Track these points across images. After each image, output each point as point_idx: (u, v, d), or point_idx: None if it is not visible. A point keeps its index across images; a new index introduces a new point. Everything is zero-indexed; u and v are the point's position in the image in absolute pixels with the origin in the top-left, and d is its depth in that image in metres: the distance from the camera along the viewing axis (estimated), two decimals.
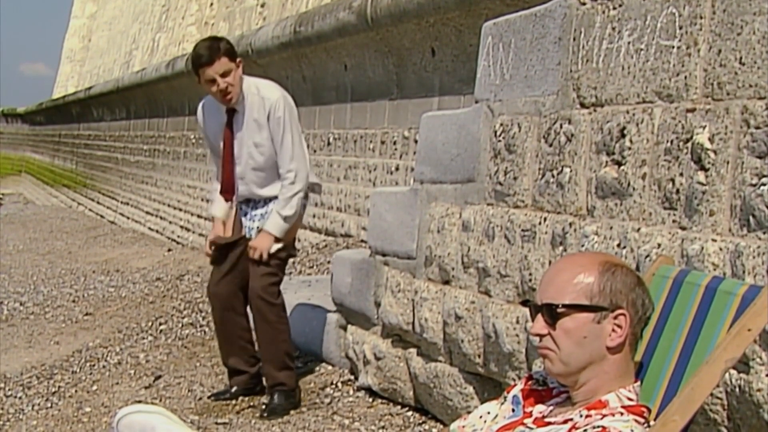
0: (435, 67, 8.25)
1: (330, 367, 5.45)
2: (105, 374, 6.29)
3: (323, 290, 5.95)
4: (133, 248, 14.72)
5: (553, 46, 3.55)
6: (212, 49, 4.83)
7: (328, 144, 10.52)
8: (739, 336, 2.08)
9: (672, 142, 2.86)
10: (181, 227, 17.10)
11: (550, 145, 3.50)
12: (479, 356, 3.90)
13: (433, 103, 8.17)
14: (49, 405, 5.91)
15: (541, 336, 2.23)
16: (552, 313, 2.21)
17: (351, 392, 5.05)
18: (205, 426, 4.69)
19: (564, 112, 3.44)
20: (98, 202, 25.69)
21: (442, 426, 4.33)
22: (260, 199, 4.98)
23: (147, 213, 20.15)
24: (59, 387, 6.27)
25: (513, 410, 2.35)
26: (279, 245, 4.90)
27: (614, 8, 3.19)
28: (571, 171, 3.37)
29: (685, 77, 2.84)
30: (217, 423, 4.73)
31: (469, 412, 2.60)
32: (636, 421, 2.12)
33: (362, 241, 8.61)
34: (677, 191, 2.83)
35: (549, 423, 2.21)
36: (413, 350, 4.50)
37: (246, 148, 4.91)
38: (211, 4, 20.19)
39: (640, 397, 2.22)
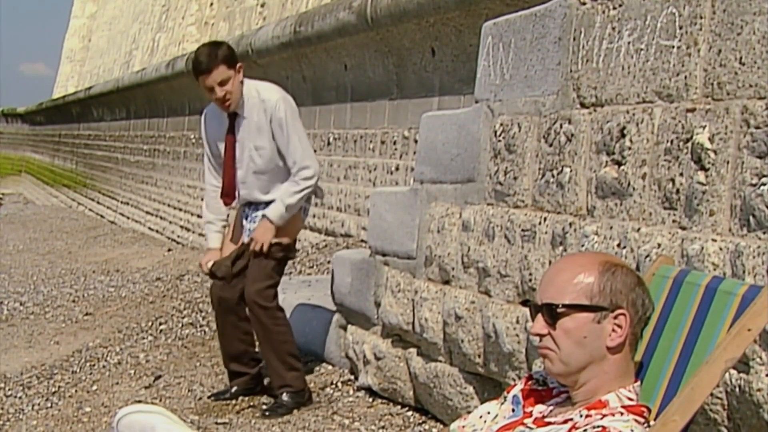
0: (435, 67, 8.25)
1: (330, 367, 5.45)
2: (105, 374, 6.29)
3: (323, 290, 5.95)
4: (133, 248, 14.72)
5: (553, 46, 3.55)
6: (210, 57, 4.81)
7: (328, 144, 10.52)
8: (739, 336, 2.09)
9: (672, 142, 2.86)
10: (181, 227, 17.10)
11: (550, 145, 3.50)
12: (479, 356, 3.90)
13: (433, 103, 8.17)
14: (49, 405, 5.91)
15: (541, 336, 2.23)
16: (552, 313, 2.21)
17: (351, 392, 5.05)
18: (205, 426, 4.69)
19: (564, 112, 3.44)
20: (98, 202, 25.70)
21: (442, 426, 4.33)
22: (261, 202, 4.98)
23: (147, 213, 20.15)
24: (59, 387, 6.27)
25: (513, 410, 2.35)
26: (282, 240, 4.89)
27: (614, 8, 3.19)
28: (571, 171, 3.37)
29: (685, 77, 2.84)
30: (217, 423, 4.73)
31: (469, 412, 2.60)
32: (636, 421, 2.12)
33: (362, 241, 8.61)
34: (677, 191, 2.83)
35: (549, 423, 2.21)
36: (413, 350, 4.50)
37: (247, 152, 4.90)
38: (211, 4, 20.19)
39: (640, 397, 2.22)
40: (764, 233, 2.51)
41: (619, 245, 3.04)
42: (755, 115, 2.56)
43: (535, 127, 3.63)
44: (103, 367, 6.50)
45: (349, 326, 5.20)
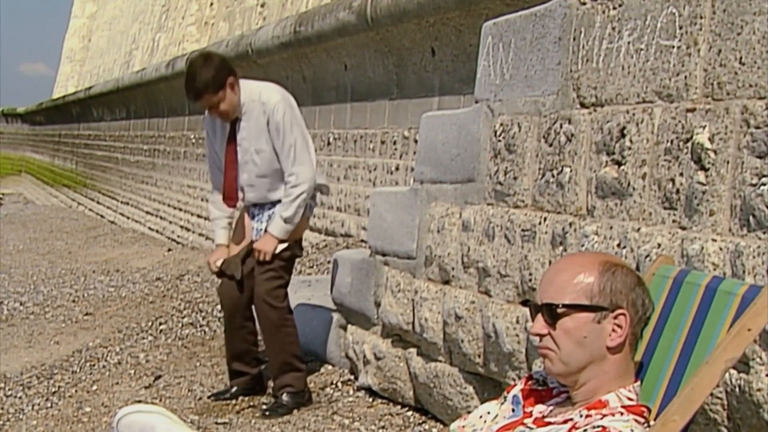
0: (435, 67, 8.25)
1: (330, 367, 5.45)
2: (105, 374, 6.29)
3: (323, 290, 5.95)
4: (133, 248, 14.72)
5: (553, 46, 3.55)
6: (195, 91, 4.77)
7: (328, 144, 10.52)
8: (739, 336, 2.09)
9: (672, 142, 2.86)
10: (181, 227, 17.10)
11: (550, 145, 3.50)
12: (479, 356, 3.90)
13: (433, 103, 8.17)
14: (49, 405, 5.91)
15: (541, 336, 2.23)
16: (552, 313, 2.21)
17: (351, 392, 5.05)
18: (205, 426, 4.69)
19: (564, 112, 3.44)
20: (98, 202, 25.70)
21: (442, 426, 4.33)
22: (268, 202, 4.98)
23: (147, 213, 20.15)
24: (59, 387, 6.27)
25: (513, 410, 2.35)
26: (283, 245, 4.90)
27: (614, 8, 3.19)
28: (571, 171, 3.37)
29: (685, 77, 2.84)
30: (217, 423, 4.73)
31: (469, 412, 2.60)
32: (636, 421, 2.12)
33: (362, 241, 8.61)
34: (677, 191, 2.83)
35: (549, 423, 2.21)
36: (413, 350, 4.50)
37: (249, 155, 4.90)
38: (211, 4, 20.19)
39: (640, 396, 2.22)
40: (764, 233, 2.51)
41: (619, 245, 3.04)
42: (755, 115, 2.56)
43: (535, 127, 3.63)
44: (103, 367, 6.50)
45: (349, 326, 5.20)
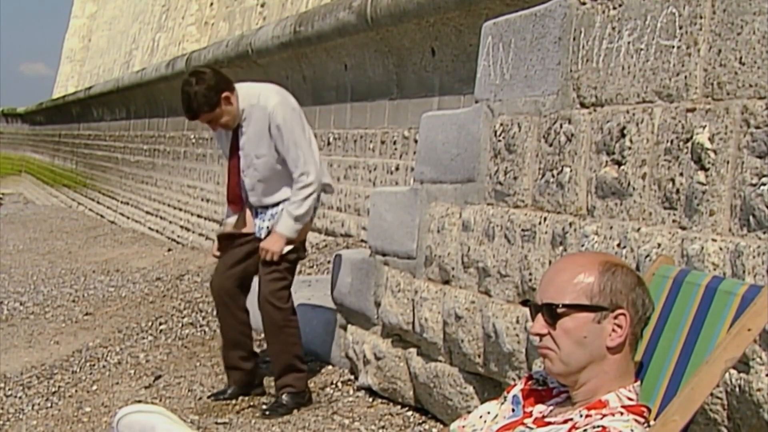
0: (435, 67, 8.25)
1: (330, 367, 5.45)
2: (105, 374, 6.29)
3: (323, 290, 5.95)
4: (133, 248, 14.72)
5: (553, 46, 3.55)
6: (191, 112, 4.85)
7: (328, 144, 10.52)
8: (739, 336, 2.08)
9: (672, 142, 2.86)
10: (181, 227, 17.10)
11: (550, 145, 3.50)
12: (479, 356, 3.90)
13: (433, 103, 8.16)
14: (49, 405, 5.91)
15: (541, 336, 2.23)
16: (552, 313, 2.21)
17: (351, 392, 5.05)
18: (205, 426, 4.69)
19: (564, 112, 3.44)
20: (98, 202, 25.69)
21: (442, 426, 4.33)
22: (269, 205, 5.00)
23: (147, 213, 20.15)
24: (59, 387, 6.27)
25: (513, 410, 2.35)
26: (289, 247, 4.91)
27: (614, 8, 3.19)
28: (571, 171, 3.37)
29: (685, 77, 2.84)
30: (217, 423, 4.73)
31: (469, 412, 2.60)
32: (636, 420, 2.12)
33: (362, 241, 8.61)
34: (677, 191, 2.83)
35: (549, 423, 2.21)
36: (413, 350, 4.50)
37: (250, 160, 4.93)
38: (211, 4, 20.19)
39: (640, 396, 2.22)
40: (764, 233, 2.51)
41: (619, 245, 3.04)
42: (755, 115, 2.56)
43: (535, 127, 3.63)
44: (103, 367, 6.50)
45: (349, 326, 5.20)
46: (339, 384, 5.18)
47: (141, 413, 2.53)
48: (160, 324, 7.28)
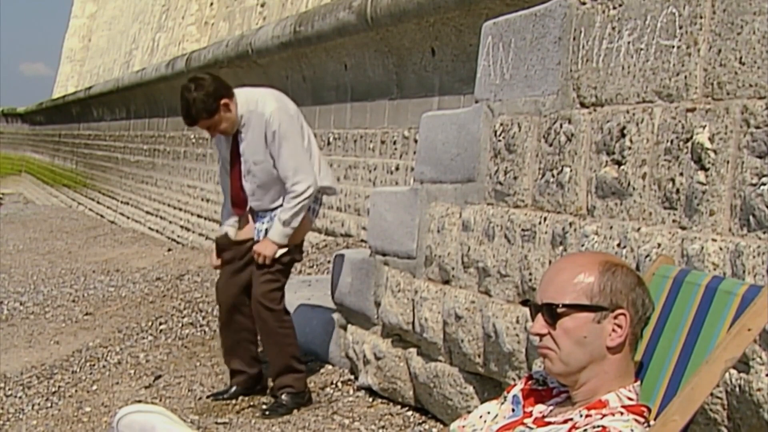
0: (435, 67, 8.25)
1: (330, 367, 5.45)
2: (105, 374, 6.29)
3: (323, 290, 5.95)
4: (133, 248, 14.71)
5: (553, 46, 3.55)
6: (190, 119, 4.86)
7: (328, 144, 10.52)
8: (739, 336, 2.08)
9: (672, 141, 2.86)
10: (181, 227, 17.10)
11: (550, 145, 3.50)
12: (479, 356, 3.90)
13: (433, 103, 8.16)
14: (49, 405, 5.91)
15: (541, 336, 2.23)
16: (552, 313, 2.21)
17: (351, 392, 5.05)
18: (205, 426, 4.69)
19: (564, 112, 3.44)
20: (98, 202, 25.70)
21: (442, 426, 4.33)
22: (270, 209, 5.00)
23: (147, 213, 20.15)
24: (59, 387, 6.27)
25: (513, 410, 2.35)
26: (283, 250, 4.92)
27: (614, 8, 3.19)
28: (571, 171, 3.37)
29: (685, 77, 2.84)
30: (217, 423, 4.73)
31: (469, 412, 2.60)
32: (636, 420, 2.12)
33: (362, 241, 8.61)
34: (677, 191, 2.83)
35: (549, 423, 2.21)
36: (413, 350, 4.50)
37: (249, 165, 4.93)
38: (211, 4, 20.19)
39: (640, 396, 2.22)
40: (764, 233, 2.51)
41: (619, 245, 3.04)
42: (755, 114, 2.56)
43: (535, 127, 3.63)
44: (103, 367, 6.50)
45: (349, 326, 5.20)
46: (339, 384, 5.18)
47: (141, 413, 2.53)
48: (160, 324, 7.28)
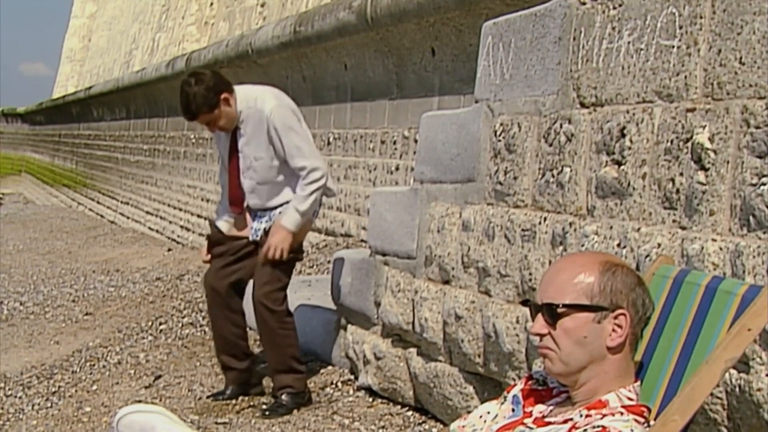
0: (435, 67, 8.25)
1: (330, 367, 5.45)
2: (105, 374, 6.29)
3: (323, 290, 5.95)
4: (133, 248, 14.71)
5: (553, 46, 3.55)
6: (190, 113, 4.87)
7: (328, 144, 10.52)
8: (739, 336, 2.09)
9: (672, 141, 2.86)
10: (181, 227, 17.10)
11: (550, 145, 3.50)
12: (479, 356, 3.90)
13: (433, 103, 8.16)
14: (49, 405, 5.91)
15: (541, 336, 2.23)
16: (552, 313, 2.21)
17: (351, 392, 5.05)
18: (205, 426, 4.69)
19: (564, 112, 3.44)
20: (98, 202, 25.70)
21: (442, 426, 4.33)
22: (269, 208, 5.00)
23: (147, 213, 20.15)
24: (59, 387, 6.27)
25: (513, 410, 2.35)
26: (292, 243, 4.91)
27: (614, 8, 3.19)
28: (571, 171, 3.37)
29: (685, 77, 2.84)
30: (217, 423, 4.73)
31: (469, 412, 2.60)
32: (636, 420, 2.12)
33: (362, 241, 8.61)
34: (677, 191, 2.83)
35: (549, 423, 2.21)
36: (413, 350, 4.50)
37: (249, 162, 4.93)
38: (211, 4, 20.19)
39: (640, 396, 2.22)
40: (764, 233, 2.51)
41: (619, 245, 3.04)
42: (755, 115, 2.56)
43: (535, 127, 3.63)
44: (103, 367, 6.50)
45: (349, 326, 5.20)
46: (339, 384, 5.17)
47: (141, 413, 2.53)
48: (160, 324, 7.28)
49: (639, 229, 2.97)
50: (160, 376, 5.84)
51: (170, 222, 18.01)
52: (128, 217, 21.60)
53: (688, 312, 2.27)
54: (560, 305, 2.20)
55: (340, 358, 5.40)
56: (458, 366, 4.10)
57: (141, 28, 27.61)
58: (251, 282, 5.01)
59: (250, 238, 5.01)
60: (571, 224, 3.32)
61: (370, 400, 4.88)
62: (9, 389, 6.46)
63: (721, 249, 2.62)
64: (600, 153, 3.20)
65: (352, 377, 5.19)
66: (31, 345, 7.91)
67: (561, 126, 3.44)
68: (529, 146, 3.65)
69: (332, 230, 9.97)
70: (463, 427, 2.43)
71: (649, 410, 2.19)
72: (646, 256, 2.87)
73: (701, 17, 2.79)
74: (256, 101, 4.90)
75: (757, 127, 2.55)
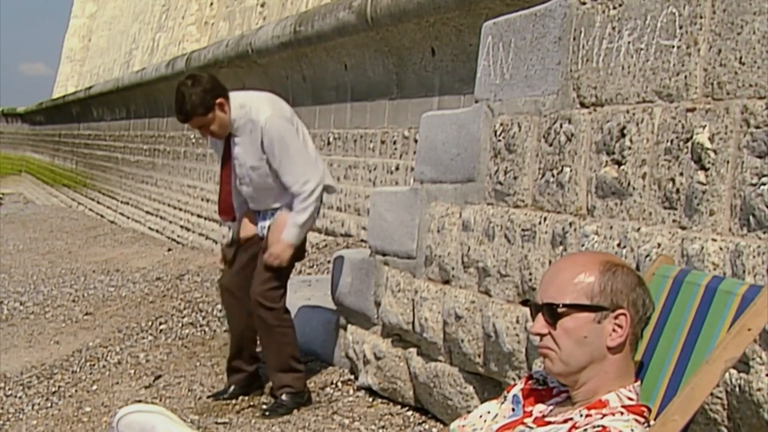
0: (435, 67, 8.25)
1: (330, 367, 5.45)
2: (105, 374, 6.29)
3: (323, 290, 5.95)
4: (133, 248, 14.71)
5: (553, 46, 3.55)
6: (184, 114, 4.85)
7: (328, 144, 10.52)
8: (739, 335, 2.08)
9: (672, 141, 2.86)
10: (181, 227, 17.10)
11: (550, 145, 3.50)
12: (479, 356, 3.90)
13: (433, 102, 8.16)
14: (49, 405, 5.91)
15: (542, 335, 2.23)
16: (552, 313, 2.21)
17: (351, 392, 5.05)
18: (205, 426, 4.69)
19: (564, 112, 3.45)
20: (98, 202, 25.70)
21: (442, 426, 4.33)
22: (271, 208, 5.00)
23: (147, 213, 20.16)
24: (59, 387, 6.27)
25: (513, 410, 2.35)
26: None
27: (614, 8, 3.19)
28: (571, 171, 3.37)
29: (685, 77, 2.84)
30: (217, 423, 4.73)
31: (469, 412, 2.60)
32: (636, 420, 2.12)
33: (362, 241, 8.61)
34: (677, 191, 2.83)
35: (549, 422, 2.21)
36: (413, 350, 4.50)
37: (245, 170, 4.92)
38: (211, 4, 20.19)
39: (640, 396, 2.22)
40: (764, 233, 2.51)
41: (619, 245, 3.04)
42: (755, 114, 2.56)
43: (535, 127, 3.63)
44: (103, 366, 6.50)
45: (349, 326, 5.20)
46: (339, 384, 5.17)
47: (141, 413, 2.53)
48: (160, 324, 7.28)
49: (639, 229, 2.97)
50: (160, 376, 5.84)
51: (170, 222, 18.01)
52: (128, 217, 21.60)
53: (688, 312, 2.27)
54: (560, 305, 2.20)
55: (340, 358, 5.40)
56: (458, 366, 4.10)
57: (141, 28, 27.61)
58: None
59: (259, 235, 5.03)
60: (571, 224, 3.33)
61: (370, 400, 4.88)
62: (9, 389, 6.46)
63: (721, 249, 2.62)
64: (600, 153, 3.20)
65: (352, 377, 5.19)
66: (31, 345, 7.90)
67: (561, 126, 3.44)
68: (529, 146, 3.65)
69: (332, 230, 9.97)
70: (463, 426, 2.43)
71: (649, 410, 2.19)
72: (646, 256, 2.87)
73: (701, 17, 2.79)
74: (251, 110, 4.86)
75: (757, 127, 2.55)
